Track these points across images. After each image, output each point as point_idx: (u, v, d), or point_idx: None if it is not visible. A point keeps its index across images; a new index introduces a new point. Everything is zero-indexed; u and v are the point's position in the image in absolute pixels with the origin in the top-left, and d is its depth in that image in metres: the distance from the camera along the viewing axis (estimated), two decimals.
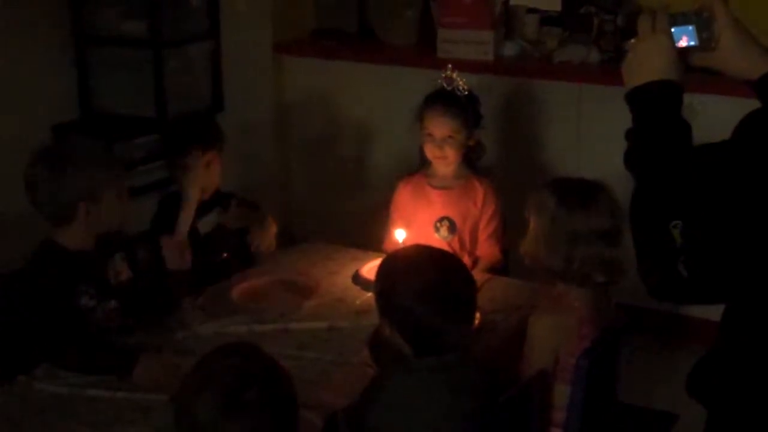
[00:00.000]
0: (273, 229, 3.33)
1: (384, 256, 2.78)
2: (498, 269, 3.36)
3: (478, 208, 3.40)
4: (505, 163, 4.34)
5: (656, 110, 1.68)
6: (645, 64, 1.70)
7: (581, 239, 2.54)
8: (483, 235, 3.42)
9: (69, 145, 2.77)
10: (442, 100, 3.35)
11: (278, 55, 5.04)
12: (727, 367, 1.77)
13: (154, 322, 2.78)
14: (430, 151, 3.36)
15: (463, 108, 3.33)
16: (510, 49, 4.65)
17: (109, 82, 4.16)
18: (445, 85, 3.36)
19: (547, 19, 4.75)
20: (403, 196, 3.48)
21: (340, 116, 4.98)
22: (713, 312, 1.83)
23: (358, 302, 2.94)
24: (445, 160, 3.36)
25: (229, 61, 4.47)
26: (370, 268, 3.07)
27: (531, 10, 4.77)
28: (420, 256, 2.37)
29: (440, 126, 3.32)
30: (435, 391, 2.19)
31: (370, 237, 3.54)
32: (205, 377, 1.86)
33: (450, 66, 3.41)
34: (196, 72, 4.35)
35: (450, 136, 3.32)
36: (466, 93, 3.36)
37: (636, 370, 3.26)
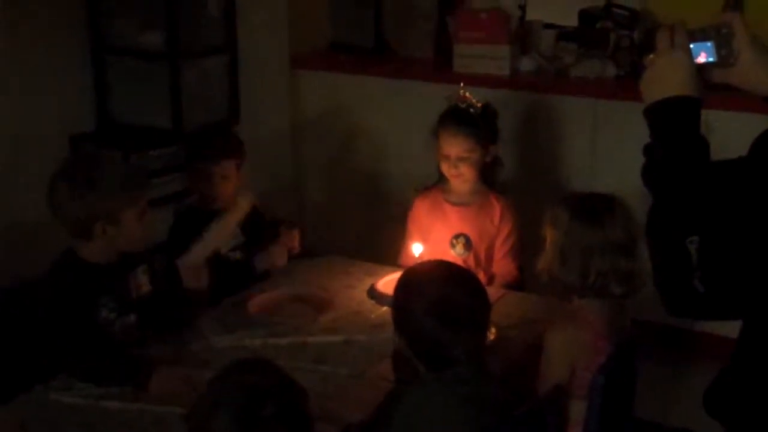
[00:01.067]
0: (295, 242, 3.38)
1: (400, 270, 2.79)
2: (514, 286, 3.35)
3: (495, 226, 3.40)
4: (520, 178, 4.34)
5: (674, 126, 1.68)
6: (664, 79, 1.70)
7: (596, 252, 2.54)
8: (499, 253, 3.41)
9: (91, 163, 2.74)
10: (455, 119, 3.34)
11: (294, 69, 5.05)
12: (745, 384, 1.76)
13: (171, 335, 2.78)
14: (446, 170, 3.36)
15: (476, 126, 3.32)
16: (526, 65, 4.65)
17: (126, 94, 4.18)
18: (458, 103, 3.35)
19: (563, 35, 4.76)
20: (420, 212, 3.48)
21: (356, 130, 4.98)
22: (730, 328, 1.82)
23: (373, 316, 2.93)
24: (461, 178, 3.35)
25: (245, 73, 4.49)
26: (385, 283, 3.07)
27: (547, 26, 4.77)
28: (434, 271, 2.37)
29: (454, 146, 3.32)
30: (449, 405, 2.18)
31: (386, 250, 3.54)
32: (219, 395, 1.86)
33: (462, 84, 3.41)
34: (213, 84, 4.37)
35: (464, 156, 3.32)
36: (480, 110, 3.35)
37: (652, 387, 3.25)
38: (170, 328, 2.80)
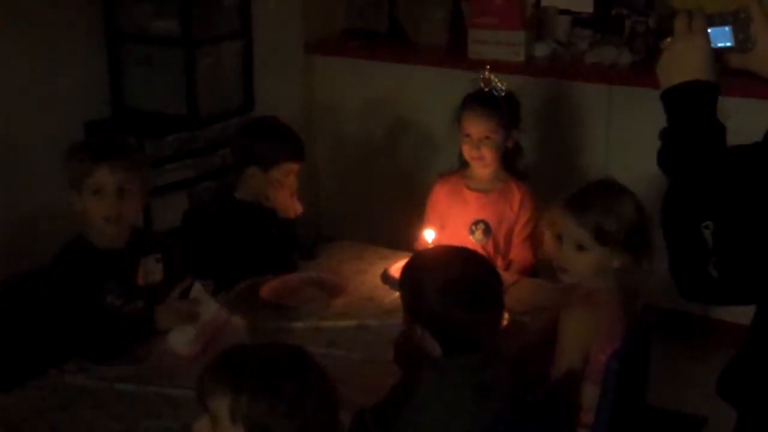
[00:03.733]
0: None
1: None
2: (530, 273, 3.35)
3: (515, 212, 3.40)
4: (534, 164, 4.33)
5: (691, 110, 1.67)
6: (681, 64, 1.70)
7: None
8: (518, 239, 3.42)
9: (89, 139, 2.80)
10: (479, 100, 3.36)
11: (309, 55, 5.05)
12: (759, 369, 1.75)
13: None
14: (467, 152, 3.37)
15: (500, 108, 3.33)
16: (541, 51, 4.63)
17: (140, 80, 4.19)
18: (483, 86, 3.36)
19: (578, 21, 4.74)
20: (440, 197, 3.48)
21: (370, 116, 4.98)
22: (742, 315, 1.82)
23: (386, 301, 2.94)
24: (482, 161, 3.36)
25: (260, 59, 4.49)
26: (398, 267, 3.05)
27: (563, 12, 4.75)
28: (444, 254, 2.38)
29: (477, 126, 3.33)
30: (465, 391, 2.18)
31: (400, 236, 3.55)
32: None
33: (488, 67, 3.42)
34: (227, 70, 4.37)
35: (487, 137, 3.33)
36: (504, 94, 3.36)
37: (664, 373, 3.25)
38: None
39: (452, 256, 2.33)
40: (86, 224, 2.71)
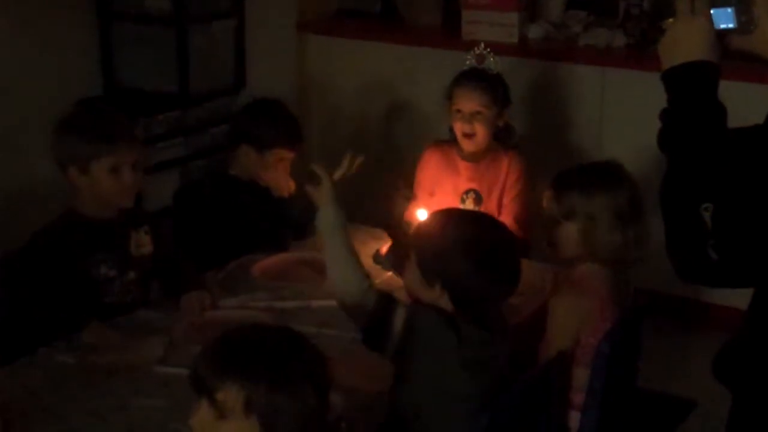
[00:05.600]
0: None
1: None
2: (522, 231, 3.36)
3: (503, 179, 3.40)
4: (527, 146, 4.32)
5: (692, 91, 1.66)
6: (683, 44, 1.68)
7: (599, 219, 2.55)
8: (507, 199, 3.43)
9: (82, 110, 2.82)
10: (472, 76, 3.36)
11: (302, 34, 5.03)
12: (755, 351, 1.75)
13: (174, 298, 2.78)
14: (458, 128, 3.36)
15: (493, 85, 3.33)
16: (535, 32, 4.62)
17: (132, 59, 4.17)
18: (475, 62, 3.36)
19: (572, 2, 4.73)
20: (430, 162, 3.49)
21: (364, 96, 4.96)
22: (734, 298, 1.82)
23: (378, 281, 2.93)
24: (472, 139, 3.35)
25: (252, 38, 4.48)
26: (390, 248, 3.07)
27: None
28: (475, 217, 2.44)
29: (469, 100, 3.32)
30: (467, 368, 2.18)
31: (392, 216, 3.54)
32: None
33: (482, 44, 3.41)
34: (220, 49, 4.36)
35: (479, 112, 3.32)
36: (496, 71, 3.36)
37: (655, 356, 3.25)
38: (173, 290, 2.80)
39: (476, 218, 2.36)
40: (80, 198, 2.73)
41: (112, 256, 2.72)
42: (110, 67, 4.19)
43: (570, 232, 2.59)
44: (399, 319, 2.19)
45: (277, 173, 3.24)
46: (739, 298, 1.80)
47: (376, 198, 4.69)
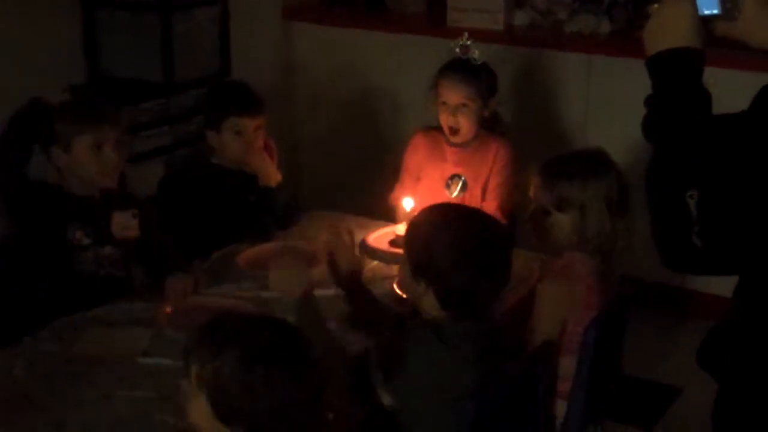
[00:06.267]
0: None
1: (392, 223, 2.79)
2: (506, 218, 3.35)
3: (489, 166, 3.39)
4: (513, 133, 4.32)
5: (677, 77, 1.66)
6: (668, 30, 1.68)
7: (586, 208, 2.55)
8: (491, 185, 3.41)
9: (72, 94, 2.86)
10: (456, 67, 3.34)
11: (287, 21, 5.01)
12: (740, 339, 1.76)
13: (156, 284, 2.78)
14: (444, 120, 3.35)
15: (477, 76, 3.31)
16: (520, 19, 4.62)
17: (116, 47, 4.15)
18: (459, 53, 3.34)
19: None
20: (418, 148, 3.48)
21: (348, 83, 4.95)
22: (718, 286, 1.82)
23: (364, 270, 2.92)
24: (458, 133, 3.34)
25: (237, 25, 4.45)
26: (377, 237, 3.06)
27: None
28: (459, 212, 2.39)
29: (454, 93, 3.31)
30: (458, 356, 2.18)
31: (378, 205, 3.53)
32: (224, 335, 1.81)
33: (466, 34, 3.39)
34: (204, 36, 4.33)
35: (464, 104, 3.31)
36: (481, 62, 3.34)
37: (640, 343, 3.26)
38: (158, 274, 2.81)
39: (468, 216, 2.33)
40: (64, 178, 2.80)
41: (89, 228, 2.75)
42: (94, 55, 4.16)
43: (561, 222, 2.58)
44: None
45: (265, 159, 3.22)
46: (724, 285, 1.80)
47: (359, 185, 4.70)
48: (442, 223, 2.25)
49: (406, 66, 4.63)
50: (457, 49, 3.34)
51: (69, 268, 2.72)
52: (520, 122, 4.42)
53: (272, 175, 3.24)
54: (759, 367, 1.73)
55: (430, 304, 2.21)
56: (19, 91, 3.76)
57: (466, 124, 3.33)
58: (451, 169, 3.40)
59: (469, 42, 3.34)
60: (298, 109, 5.11)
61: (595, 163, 2.63)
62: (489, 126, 3.43)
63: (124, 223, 2.79)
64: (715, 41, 1.74)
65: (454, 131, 3.34)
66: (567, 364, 2.52)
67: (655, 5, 1.73)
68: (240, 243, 3.07)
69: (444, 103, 3.33)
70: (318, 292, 2.74)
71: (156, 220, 2.93)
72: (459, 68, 3.33)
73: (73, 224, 2.73)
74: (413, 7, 4.93)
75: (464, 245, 2.19)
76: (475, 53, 3.34)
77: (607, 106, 4.32)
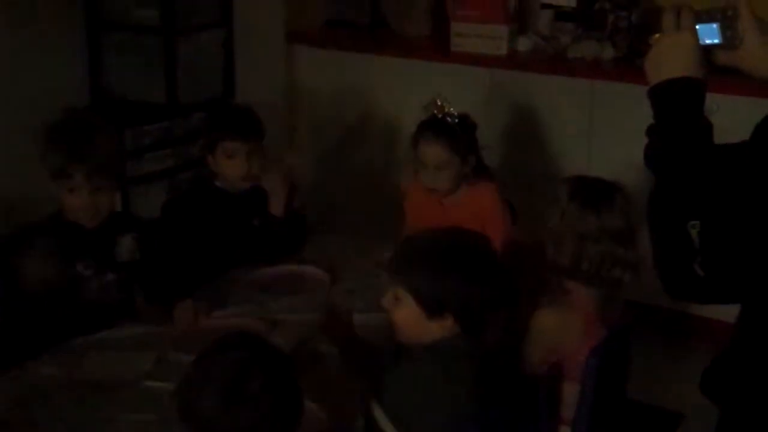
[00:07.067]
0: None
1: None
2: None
3: (485, 217, 3.35)
4: (515, 159, 4.33)
5: (678, 107, 1.67)
6: (669, 59, 1.69)
7: (590, 239, 2.53)
8: (490, 233, 3.36)
9: (57, 122, 2.85)
10: (432, 128, 3.29)
11: (291, 45, 5.02)
12: (743, 367, 1.76)
13: (163, 309, 2.77)
14: (424, 180, 3.32)
15: (453, 135, 3.26)
16: (523, 45, 4.63)
17: (120, 69, 4.16)
18: (435, 112, 3.31)
19: (561, 15, 4.73)
20: (412, 201, 3.45)
21: (352, 107, 4.96)
22: (722, 312, 1.82)
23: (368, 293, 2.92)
24: (437, 193, 3.31)
25: (241, 48, 4.47)
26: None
27: (545, 5, 4.75)
28: (435, 231, 2.41)
29: (431, 155, 3.27)
30: (458, 377, 2.19)
31: (381, 227, 3.53)
32: (205, 372, 1.86)
33: (439, 93, 3.35)
34: (208, 59, 4.34)
35: (442, 164, 3.27)
36: (457, 120, 3.29)
37: (643, 368, 3.25)
38: (158, 299, 2.81)
39: (461, 237, 2.35)
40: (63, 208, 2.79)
41: (89, 259, 2.75)
42: (98, 77, 4.18)
43: (582, 250, 2.56)
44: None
45: (267, 179, 3.22)
46: (728, 311, 1.80)
47: (362, 208, 4.70)
48: (442, 252, 2.28)
49: (410, 89, 4.63)
50: (433, 110, 3.32)
51: (74, 298, 2.72)
52: (521, 148, 4.43)
53: (278, 208, 3.22)
54: (760, 394, 1.73)
55: (449, 331, 2.23)
56: (23, 113, 3.80)
57: (445, 185, 3.30)
58: (446, 222, 3.34)
59: (443, 102, 3.31)
60: (302, 131, 5.12)
61: (611, 193, 2.61)
62: (476, 175, 3.39)
63: (125, 247, 2.80)
64: (718, 68, 1.75)
65: (434, 191, 3.33)
66: (570, 392, 2.51)
67: (656, 35, 1.74)
68: (241, 267, 3.06)
69: (422, 162, 3.31)
70: (308, 316, 2.73)
71: (157, 244, 2.92)
72: (435, 129, 3.28)
73: (77, 255, 2.74)
74: (417, 32, 4.94)
75: (470, 262, 2.24)
76: (451, 110, 3.29)
77: (609, 132, 4.32)
